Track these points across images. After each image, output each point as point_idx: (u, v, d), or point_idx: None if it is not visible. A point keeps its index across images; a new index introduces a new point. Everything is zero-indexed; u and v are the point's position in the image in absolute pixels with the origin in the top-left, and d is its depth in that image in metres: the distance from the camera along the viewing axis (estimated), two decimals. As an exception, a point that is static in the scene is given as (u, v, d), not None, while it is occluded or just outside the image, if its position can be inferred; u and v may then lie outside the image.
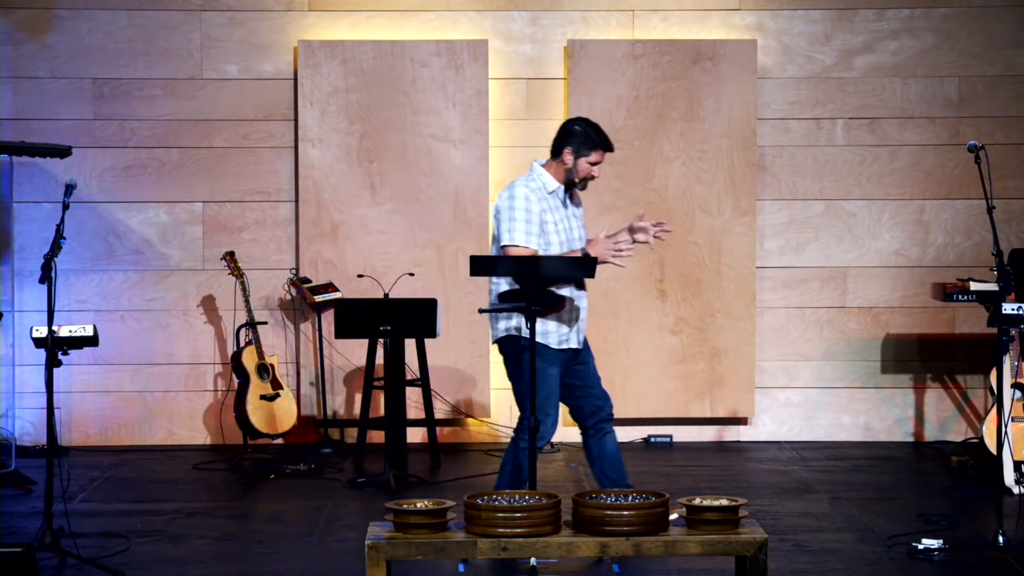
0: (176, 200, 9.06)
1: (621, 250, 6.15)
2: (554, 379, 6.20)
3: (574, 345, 6.26)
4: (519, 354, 6.15)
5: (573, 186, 6.24)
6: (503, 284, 6.17)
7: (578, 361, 6.31)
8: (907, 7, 9.11)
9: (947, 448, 8.84)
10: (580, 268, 6.19)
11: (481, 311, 6.31)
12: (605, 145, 6.19)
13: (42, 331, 6.32)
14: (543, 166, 6.23)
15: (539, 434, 6.12)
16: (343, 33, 9.04)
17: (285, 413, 8.68)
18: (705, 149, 9.02)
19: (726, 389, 9.06)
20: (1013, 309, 6.71)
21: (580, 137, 6.15)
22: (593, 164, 6.16)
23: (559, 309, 6.18)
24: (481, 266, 6.12)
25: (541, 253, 6.10)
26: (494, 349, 9.01)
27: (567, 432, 9.14)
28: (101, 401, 9.03)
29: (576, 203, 6.34)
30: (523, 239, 6.08)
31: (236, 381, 8.68)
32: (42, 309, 6.46)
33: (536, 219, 6.10)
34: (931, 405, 9.20)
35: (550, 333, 6.19)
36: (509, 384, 9.04)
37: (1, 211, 8.95)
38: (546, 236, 6.14)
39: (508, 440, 9.06)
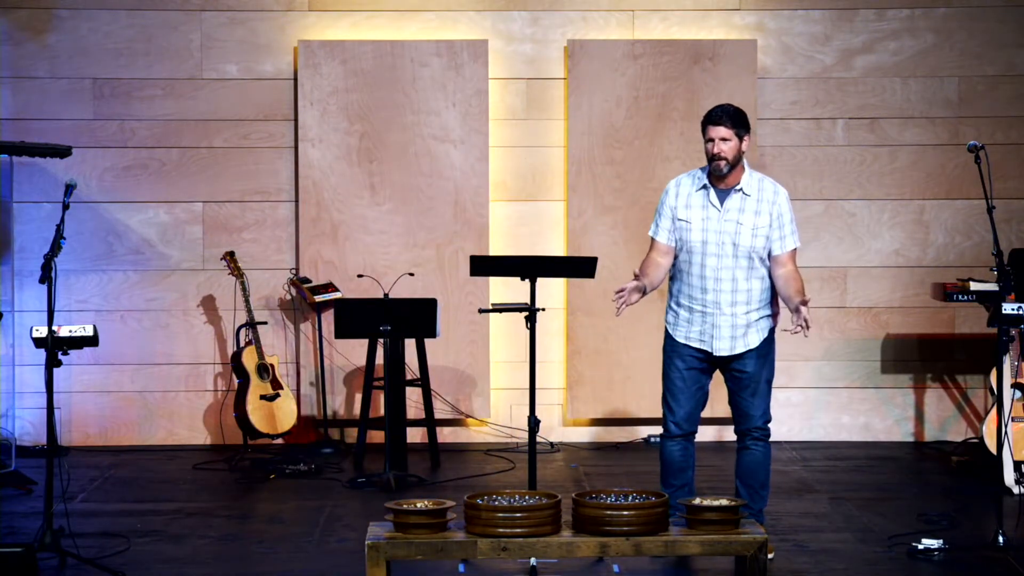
0: (176, 200, 9.06)
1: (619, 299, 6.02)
2: (676, 371, 6.16)
3: (706, 348, 6.13)
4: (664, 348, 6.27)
5: (716, 176, 6.06)
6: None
7: (736, 368, 6.18)
8: (907, 7, 9.11)
9: (947, 448, 8.85)
10: (580, 268, 6.21)
11: (481, 311, 6.34)
12: (708, 117, 6.07)
13: (42, 331, 6.32)
14: None
15: (666, 427, 6.19)
16: (343, 33, 9.04)
17: (285, 413, 8.68)
18: (705, 149, 9.01)
19: (726, 389, 9.03)
20: (1013, 309, 6.71)
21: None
22: (709, 140, 6.03)
23: None
24: (481, 266, 6.14)
25: (667, 245, 6.11)
26: (496, 349, 9.05)
27: (567, 432, 9.15)
28: (101, 401, 9.03)
29: (742, 206, 6.06)
30: (652, 230, 6.18)
31: (236, 381, 8.68)
32: (42, 309, 6.46)
33: (667, 212, 6.13)
34: (931, 405, 9.20)
35: (679, 326, 6.18)
36: (509, 384, 9.11)
37: (1, 211, 8.95)
38: (679, 231, 6.09)
39: (507, 440, 9.08)
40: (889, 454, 8.82)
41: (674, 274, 6.20)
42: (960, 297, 8.22)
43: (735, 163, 6.03)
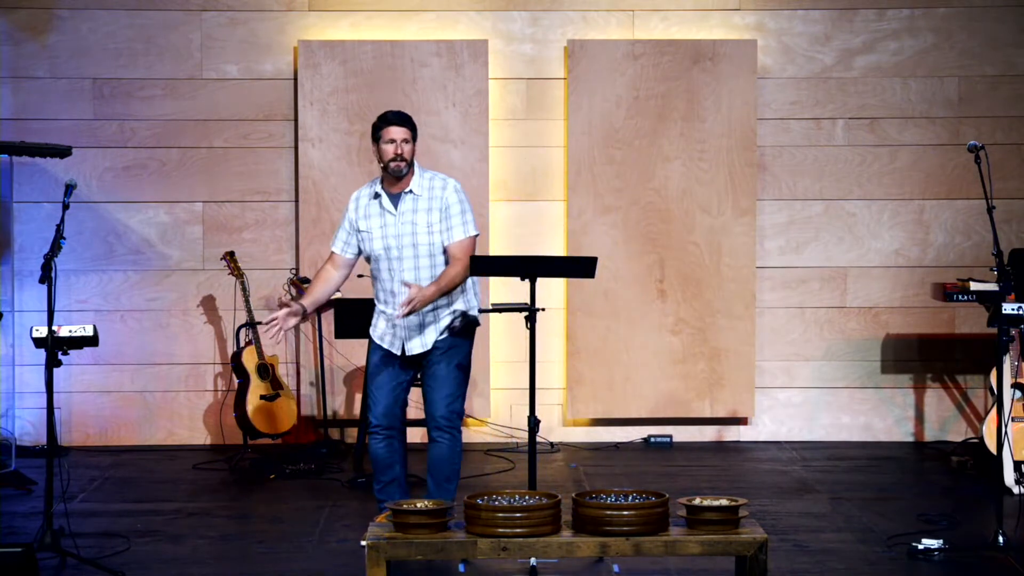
0: (176, 200, 9.06)
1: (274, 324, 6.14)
2: (374, 367, 6.29)
3: (394, 351, 6.27)
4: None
5: (393, 176, 6.19)
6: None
7: (425, 364, 6.29)
8: (907, 7, 9.11)
9: (947, 448, 8.84)
10: (580, 268, 6.21)
11: (481, 311, 6.33)
12: (392, 119, 6.20)
13: (42, 331, 6.32)
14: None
15: (368, 422, 6.31)
16: (343, 33, 9.04)
17: (285, 413, 8.68)
18: (705, 149, 9.02)
19: (726, 389, 9.06)
20: (1013, 309, 6.71)
21: (373, 127, 6.27)
22: (390, 141, 6.16)
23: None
24: (481, 266, 6.13)
25: (341, 256, 6.37)
26: (496, 349, 9.04)
27: (568, 432, 9.15)
28: (101, 401, 9.03)
29: (415, 207, 6.21)
30: (332, 242, 6.44)
31: (236, 381, 8.68)
32: (42, 309, 6.46)
33: (346, 224, 6.34)
34: (931, 405, 9.20)
35: (376, 326, 6.35)
36: (509, 384, 9.10)
37: (1, 211, 8.95)
38: (362, 242, 6.28)
39: (507, 440, 9.07)
40: (889, 454, 8.82)
41: (372, 280, 6.38)
42: (960, 297, 8.21)
43: (410, 165, 6.21)
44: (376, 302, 6.34)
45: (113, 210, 9.01)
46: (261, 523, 7.09)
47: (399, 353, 6.25)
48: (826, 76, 9.13)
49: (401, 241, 6.18)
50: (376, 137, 6.21)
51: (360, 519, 6.83)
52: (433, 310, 6.21)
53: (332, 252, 6.41)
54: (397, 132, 6.16)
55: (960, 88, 9.13)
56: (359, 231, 6.28)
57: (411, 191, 6.21)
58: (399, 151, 6.14)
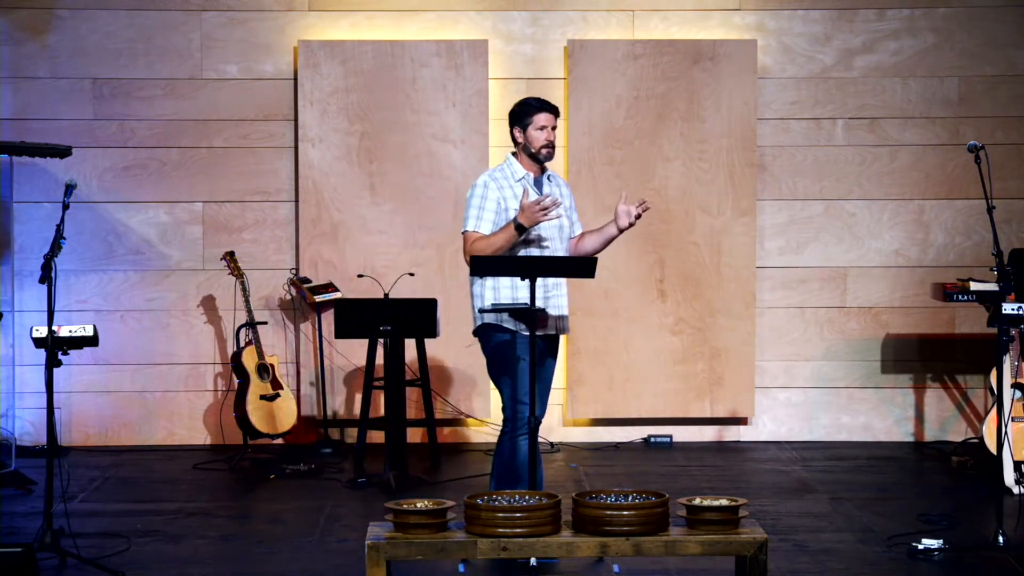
0: (176, 200, 9.06)
1: (546, 209, 6.03)
2: (524, 365, 6.17)
3: (552, 332, 6.30)
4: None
5: (540, 162, 6.26)
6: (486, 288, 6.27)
7: (550, 357, 6.33)
8: (907, 7, 9.12)
9: (947, 448, 8.85)
10: (580, 268, 6.22)
11: (482, 311, 6.32)
12: (543, 106, 6.27)
13: (42, 331, 6.32)
14: (514, 156, 6.33)
15: (521, 424, 6.20)
16: (343, 33, 9.04)
17: (285, 413, 8.68)
18: (705, 149, 9.02)
19: (726, 389, 9.06)
20: (1013, 309, 6.71)
21: (517, 112, 6.28)
22: (541, 128, 6.22)
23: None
24: (481, 266, 6.13)
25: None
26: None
27: (568, 432, 9.15)
28: (101, 401, 9.03)
29: (550, 192, 6.34)
30: (472, 224, 6.21)
31: (236, 381, 8.68)
32: (42, 309, 6.46)
33: (491, 205, 6.20)
34: (931, 405, 9.21)
35: (520, 320, 6.26)
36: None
37: (1, 211, 8.95)
38: (507, 220, 6.19)
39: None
40: (889, 454, 8.82)
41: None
42: (960, 297, 8.21)
43: None
44: (515, 292, 6.21)
45: (113, 210, 9.01)
46: (261, 523, 7.09)
47: (554, 332, 6.26)
48: (826, 76, 9.13)
49: (550, 223, 6.22)
50: (523, 124, 6.24)
51: (360, 519, 6.84)
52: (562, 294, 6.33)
53: (481, 232, 6.19)
54: (549, 119, 6.24)
55: (960, 88, 9.13)
56: (509, 209, 6.18)
57: (549, 177, 6.34)
58: (553, 138, 6.25)
